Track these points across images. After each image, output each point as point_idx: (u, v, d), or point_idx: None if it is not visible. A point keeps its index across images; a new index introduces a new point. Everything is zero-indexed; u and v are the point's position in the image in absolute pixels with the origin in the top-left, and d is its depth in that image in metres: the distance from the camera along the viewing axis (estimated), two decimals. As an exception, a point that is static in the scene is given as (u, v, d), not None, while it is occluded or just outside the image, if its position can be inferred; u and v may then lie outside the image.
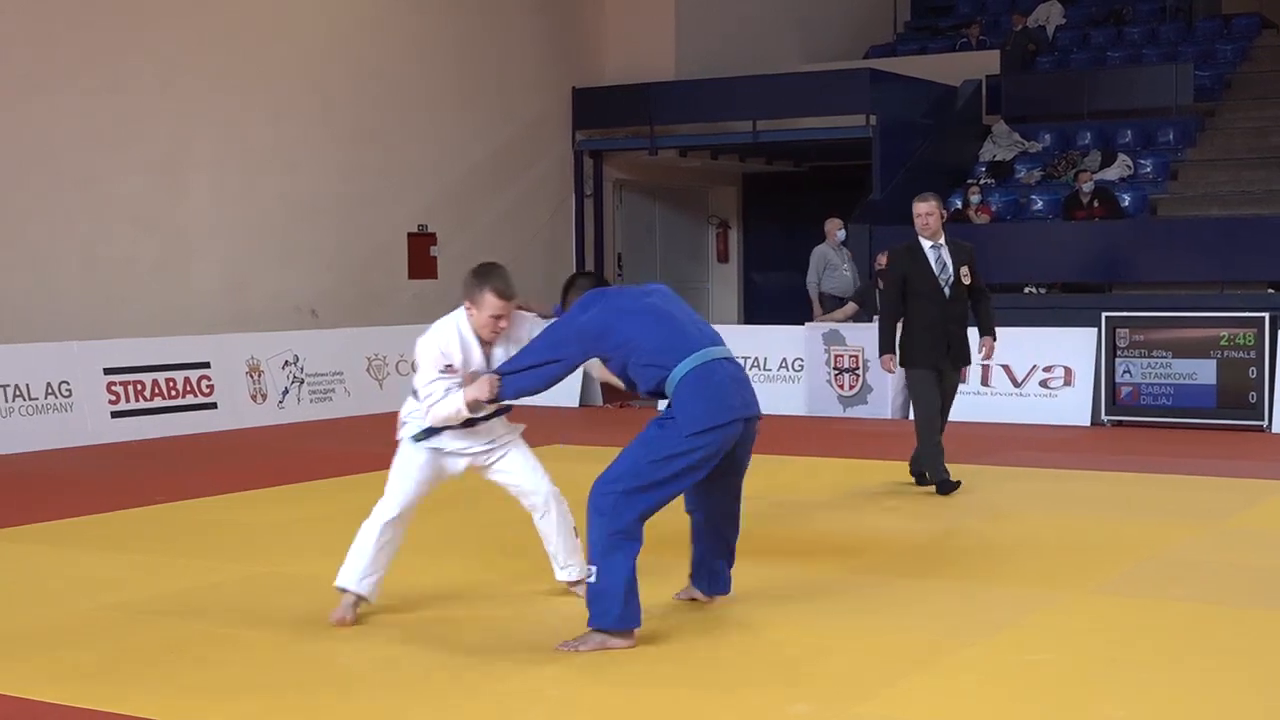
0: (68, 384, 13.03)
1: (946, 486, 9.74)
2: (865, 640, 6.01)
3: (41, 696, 5.26)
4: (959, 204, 18.84)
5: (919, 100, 20.98)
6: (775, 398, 15.15)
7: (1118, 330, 14.09)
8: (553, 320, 6.36)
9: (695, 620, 6.33)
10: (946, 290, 9.73)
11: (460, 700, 5.25)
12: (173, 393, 13.83)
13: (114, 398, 13.39)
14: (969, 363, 10.02)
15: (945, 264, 9.77)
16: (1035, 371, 14.31)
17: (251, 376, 14.58)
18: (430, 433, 6.33)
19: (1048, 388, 14.28)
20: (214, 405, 14.17)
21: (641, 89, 21.54)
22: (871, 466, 10.91)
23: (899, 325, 9.89)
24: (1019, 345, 14.30)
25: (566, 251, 22.43)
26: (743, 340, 15.88)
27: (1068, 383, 14.20)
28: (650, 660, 5.69)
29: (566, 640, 5.81)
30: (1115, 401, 14.02)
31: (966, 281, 9.79)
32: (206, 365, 14.26)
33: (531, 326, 6.48)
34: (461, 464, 6.49)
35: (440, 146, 19.76)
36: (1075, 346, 14.27)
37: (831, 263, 17.04)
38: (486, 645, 5.98)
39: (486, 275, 6.24)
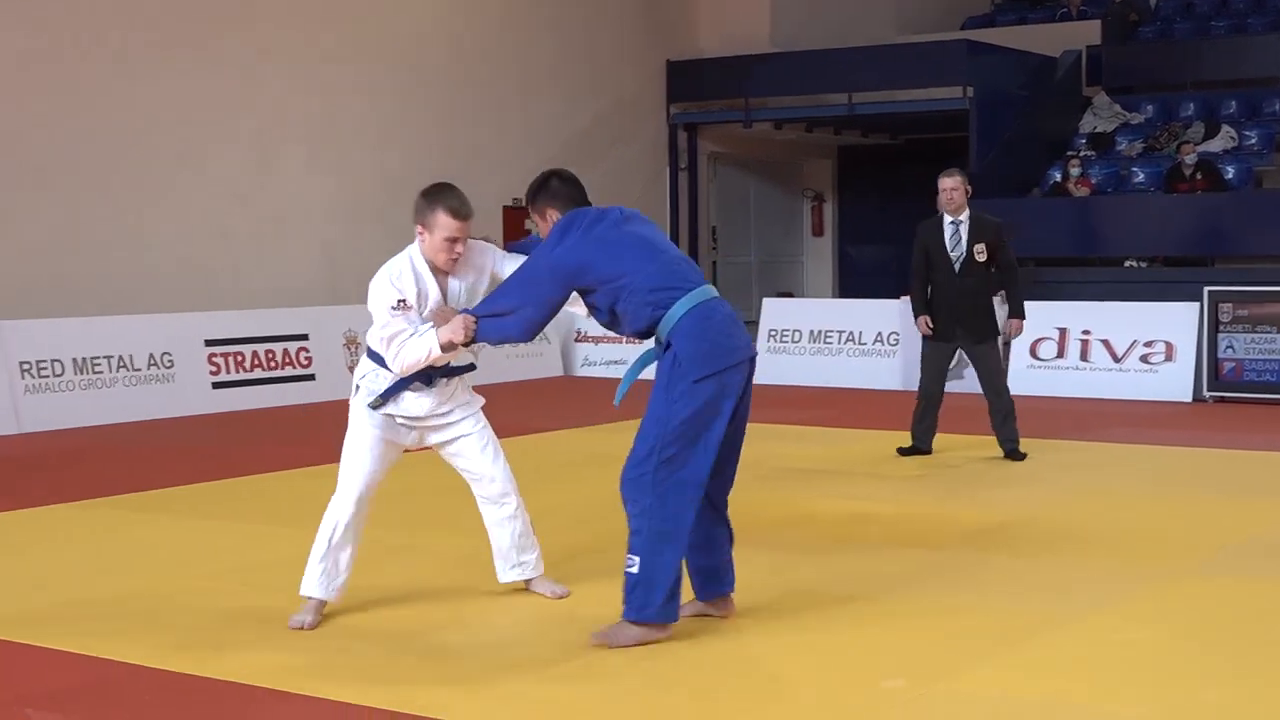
0: (170, 355, 13.22)
1: (903, 449, 10.18)
2: (959, 617, 5.95)
3: (144, 662, 5.35)
4: (1058, 176, 18.58)
5: (1017, 71, 20.71)
6: (870, 372, 15.06)
7: (1220, 305, 13.84)
8: (526, 250, 5.81)
9: (785, 594, 6.31)
10: (956, 265, 9.86)
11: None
12: (272, 364, 13.99)
13: (214, 369, 13.58)
14: (989, 337, 9.97)
15: (960, 239, 9.86)
16: (1136, 347, 14.09)
17: (349, 348, 14.71)
18: (386, 397, 5.76)
19: (1149, 363, 14.06)
20: (312, 377, 14.32)
21: (736, 61, 21.43)
22: (965, 441, 10.80)
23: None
24: (1119, 320, 14.10)
25: (661, 225, 22.33)
26: (838, 314, 15.81)
27: (1169, 358, 13.98)
28: (739, 633, 5.68)
29: (599, 631, 5.43)
30: (1217, 377, 13.78)
31: (981, 258, 9.81)
32: (305, 337, 14.41)
33: (496, 255, 5.94)
34: (414, 435, 5.92)
35: (534, 121, 19.80)
36: (1177, 321, 14.03)
37: None
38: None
39: (437, 193, 5.64)
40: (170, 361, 13.22)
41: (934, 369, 10.09)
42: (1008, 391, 10.04)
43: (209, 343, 13.62)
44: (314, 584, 5.78)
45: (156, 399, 12.94)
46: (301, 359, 14.31)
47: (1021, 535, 7.69)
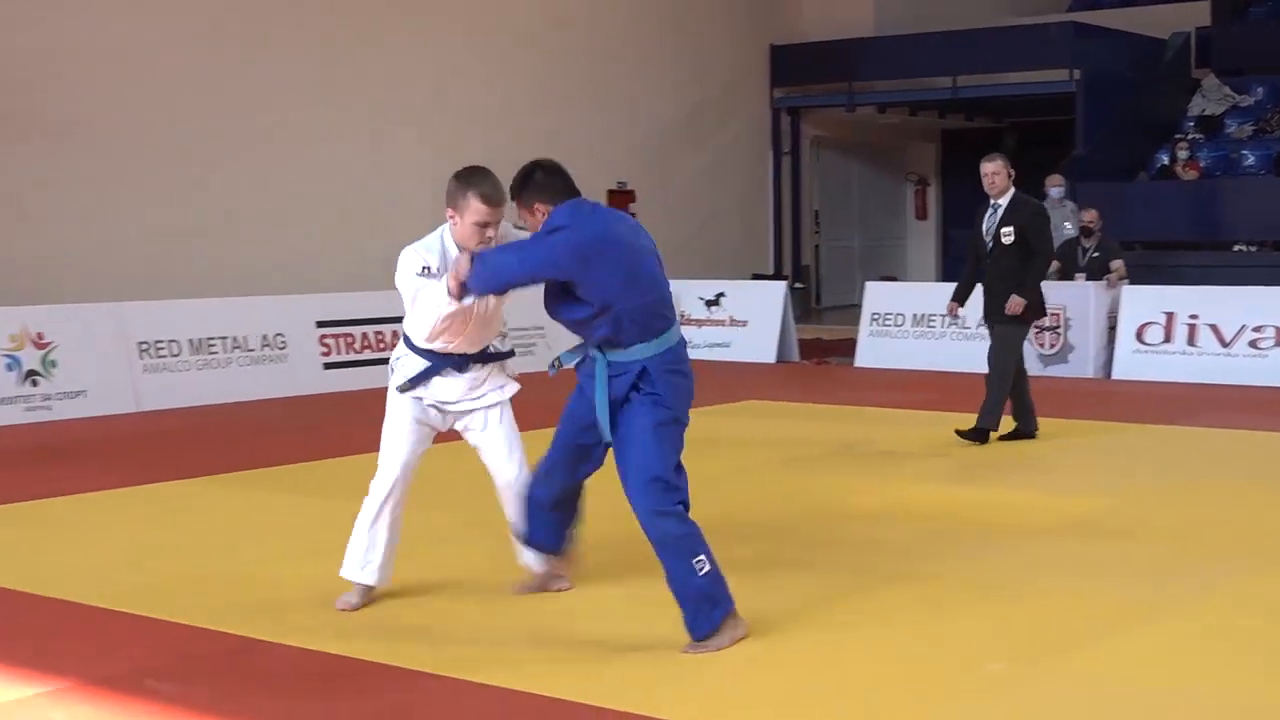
0: (282, 336, 13.41)
1: (1003, 436, 9.96)
2: (1064, 600, 5.89)
3: (259, 635, 5.44)
4: (1165, 160, 18.28)
5: (1124, 53, 20.38)
6: (973, 355, 14.87)
7: (1332, 289, 13.55)
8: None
9: (885, 577, 6.28)
10: (989, 245, 9.82)
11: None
12: (381, 345, 14.13)
13: (325, 349, 13.76)
14: (1005, 320, 9.81)
15: (994, 222, 9.80)
16: (1244, 331, 13.82)
17: (455, 330, 14.82)
18: (416, 381, 5.76)
19: (1257, 348, 13.78)
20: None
21: (840, 45, 21.27)
22: (1071, 426, 10.68)
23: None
24: (1227, 304, 13.84)
25: (763, 209, 22.32)
26: (941, 297, 15.62)
27: (1279, 343, 13.70)
28: (841, 616, 5.67)
29: (690, 644, 5.21)
30: (1328, 362, 13.50)
31: (1007, 241, 9.69)
32: (416, 318, 14.53)
33: None
34: (447, 419, 5.88)
35: (640, 105, 19.82)
36: (1287, 305, 13.75)
37: (1055, 223, 16.68)
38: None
39: (470, 177, 5.52)
40: (283, 342, 13.40)
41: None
42: (1004, 378, 9.79)
43: (320, 324, 13.80)
44: (353, 568, 5.80)
45: (269, 379, 13.13)
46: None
47: (1124, 518, 7.59)
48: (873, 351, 15.47)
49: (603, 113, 19.38)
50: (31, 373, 11.64)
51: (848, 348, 16.02)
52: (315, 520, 7.62)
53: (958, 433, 9.86)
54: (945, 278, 23.55)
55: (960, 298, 10.27)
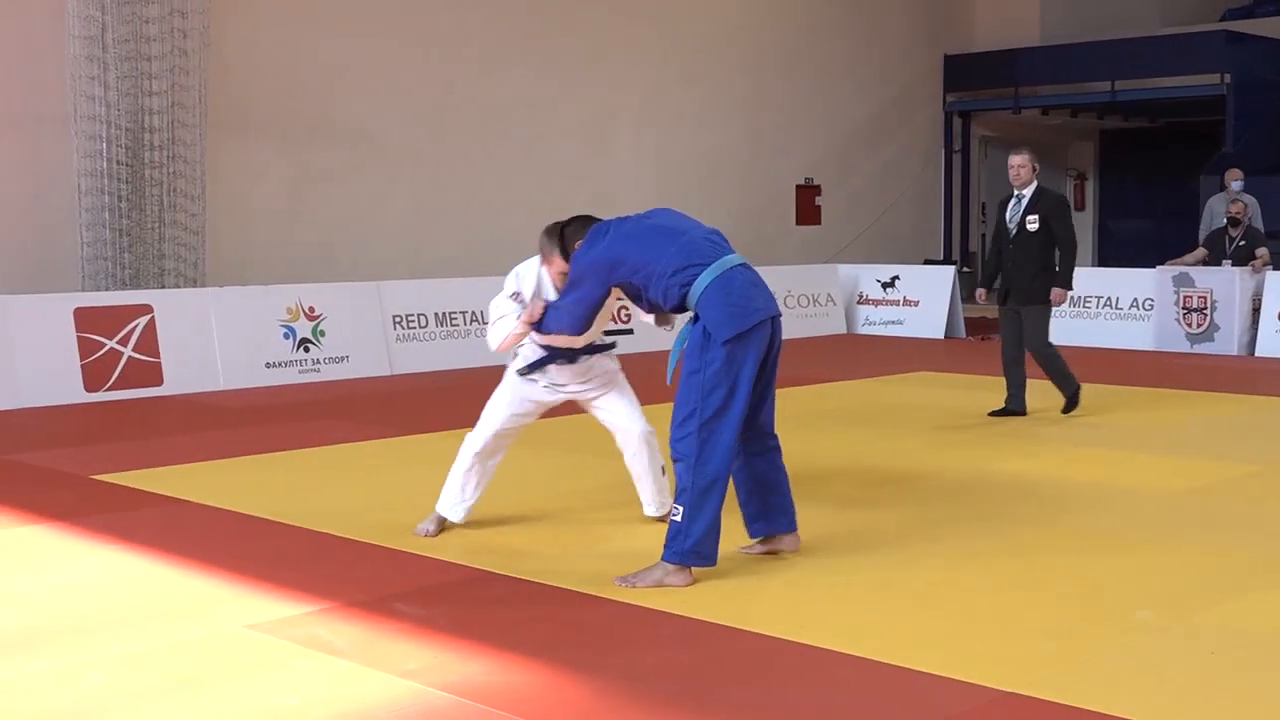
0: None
1: (994, 412, 9.46)
2: (1206, 555, 5.68)
3: (490, 567, 5.53)
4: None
5: (1275, 59, 19.51)
6: (1125, 334, 14.48)
7: None
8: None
9: (1039, 526, 6.13)
10: (1012, 233, 9.35)
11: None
12: (597, 320, 14.26)
13: (550, 323, 13.90)
14: (1036, 301, 9.30)
15: (1019, 210, 9.34)
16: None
17: (662, 308, 14.87)
18: (534, 367, 6.00)
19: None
20: (631, 331, 14.54)
21: (1008, 54, 20.82)
22: (1216, 399, 10.28)
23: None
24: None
25: (935, 203, 21.96)
26: (1097, 281, 15.20)
27: None
28: (995, 562, 5.55)
29: (625, 575, 5.27)
30: None
31: (1032, 228, 9.22)
32: (621, 296, 14.60)
33: None
34: (561, 396, 6.09)
35: (826, 108, 19.62)
36: None
37: (1217, 212, 16.08)
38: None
39: (557, 236, 5.81)
40: (514, 316, 13.57)
41: (1004, 332, 9.51)
42: (1047, 352, 9.39)
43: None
44: (446, 504, 6.09)
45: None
46: (622, 315, 14.53)
47: (1264, 486, 7.26)
48: (1033, 329, 15.10)
49: (795, 115, 19.22)
50: (304, 340, 12.02)
51: (1010, 326, 15.67)
52: (545, 472, 7.69)
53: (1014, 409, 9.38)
54: (1101, 263, 22.89)
55: (988, 283, 9.79)
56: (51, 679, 4.31)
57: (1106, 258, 23.19)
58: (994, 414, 9.44)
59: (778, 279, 16.87)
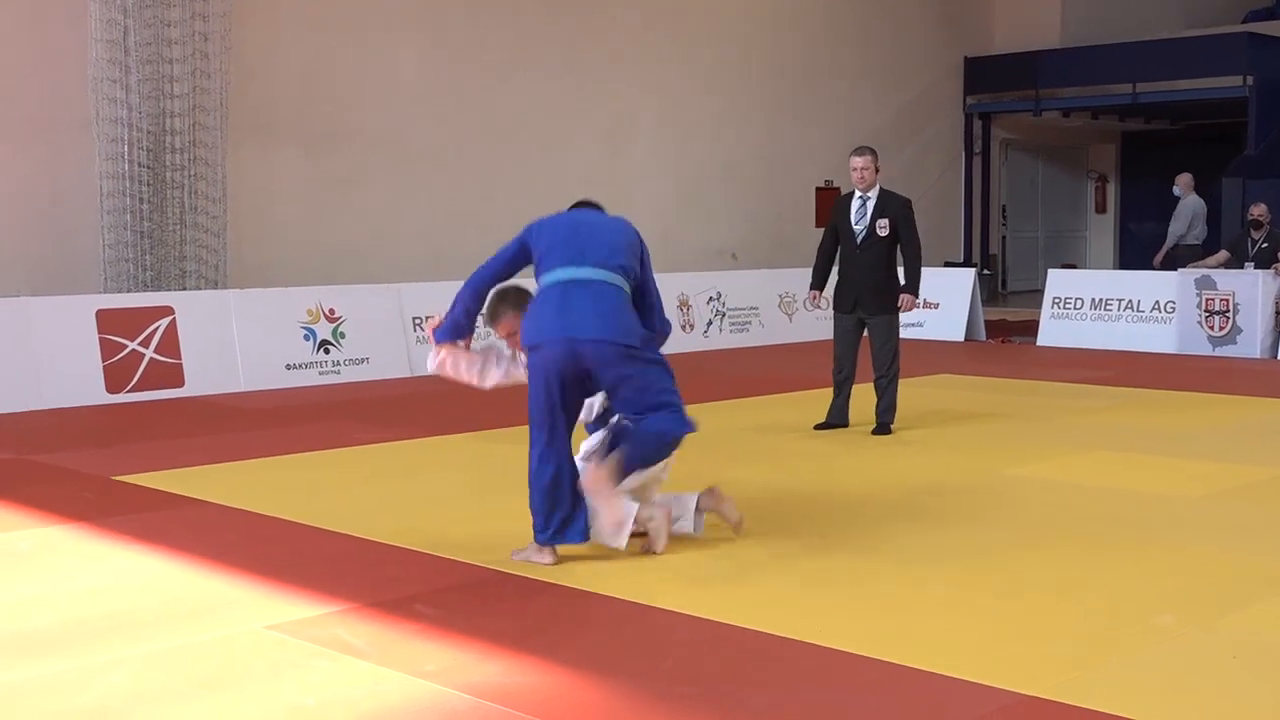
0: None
1: (822, 425, 9.02)
2: (1225, 561, 5.65)
3: (508, 570, 5.54)
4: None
5: (1296, 60, 19.41)
6: (1147, 336, 14.43)
7: None
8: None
9: (1057, 529, 6.10)
10: (858, 238, 8.89)
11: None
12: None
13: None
14: (887, 311, 8.87)
15: (865, 214, 8.91)
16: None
17: (681, 310, 14.88)
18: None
19: None
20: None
21: (1028, 56, 20.79)
22: (1238, 402, 10.23)
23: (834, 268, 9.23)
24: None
25: (955, 205, 21.94)
26: (1118, 284, 15.16)
27: None
28: (1014, 563, 5.53)
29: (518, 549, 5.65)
30: None
31: (883, 233, 8.83)
32: (644, 299, 14.60)
33: None
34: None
35: (845, 111, 19.61)
36: None
37: (1199, 215, 16.13)
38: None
39: (499, 302, 5.92)
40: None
41: (840, 342, 9.04)
42: (894, 365, 8.94)
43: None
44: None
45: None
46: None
47: (1290, 489, 7.23)
48: (1053, 332, 15.11)
49: (814, 120, 19.21)
50: (324, 342, 12.06)
51: (1030, 328, 15.67)
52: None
53: (882, 429, 8.83)
54: (1122, 266, 22.85)
55: (821, 285, 9.21)
56: (73, 679, 4.33)
57: (1128, 260, 23.13)
58: (819, 427, 9.03)
59: (796, 281, 16.93)
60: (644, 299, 5.76)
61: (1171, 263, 15.92)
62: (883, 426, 8.87)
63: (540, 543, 5.56)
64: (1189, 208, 16.22)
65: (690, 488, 6.04)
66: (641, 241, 5.84)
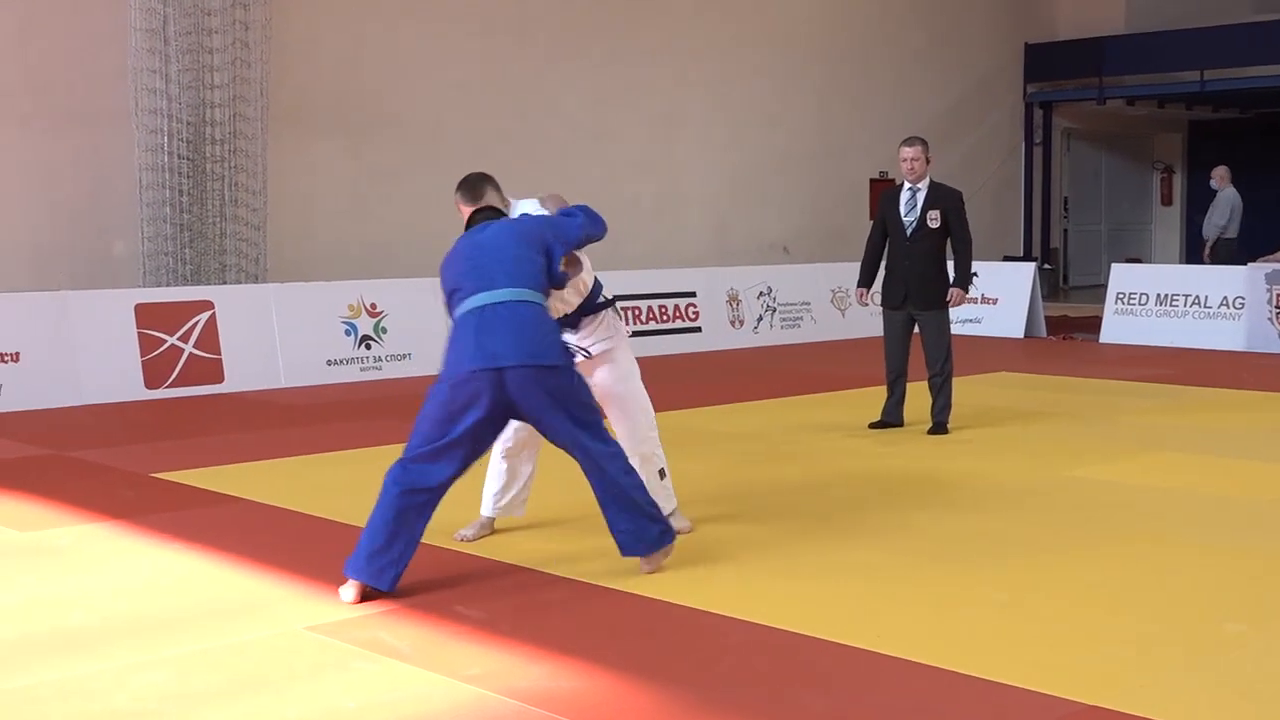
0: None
1: (876, 424, 8.95)
2: (1301, 567, 5.57)
3: (555, 571, 5.54)
4: None
5: (1372, 46, 19.13)
6: (1215, 333, 14.25)
7: None
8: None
9: (1119, 532, 6.04)
10: (908, 231, 8.78)
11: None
12: (664, 318, 14.25)
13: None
14: (938, 305, 8.78)
15: (915, 206, 8.81)
16: None
17: (731, 305, 14.85)
18: None
19: None
20: (699, 329, 14.52)
21: (1091, 43, 20.59)
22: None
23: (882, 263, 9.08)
24: None
25: (1015, 197, 21.78)
26: (1184, 279, 15.00)
27: None
28: (1080, 564, 5.48)
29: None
30: None
31: (934, 225, 8.73)
32: (693, 294, 14.61)
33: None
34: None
35: (901, 100, 19.51)
36: None
37: (1237, 208, 16.15)
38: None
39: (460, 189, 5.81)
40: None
41: (891, 338, 8.95)
42: (949, 362, 8.83)
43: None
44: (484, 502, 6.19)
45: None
46: (689, 313, 14.53)
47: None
48: (1117, 329, 14.97)
49: (870, 108, 19.13)
50: (365, 338, 12.12)
51: (1093, 325, 15.53)
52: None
53: (938, 429, 8.75)
54: (1189, 260, 22.59)
55: (870, 283, 9.14)
56: (110, 679, 4.37)
57: (1195, 254, 22.86)
58: (874, 426, 8.97)
59: (850, 274, 16.77)
60: (590, 233, 5.71)
61: (1213, 258, 15.86)
62: (939, 426, 8.82)
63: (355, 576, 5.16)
64: (1227, 200, 16.27)
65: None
66: (541, 222, 5.66)
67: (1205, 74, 19.78)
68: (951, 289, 8.83)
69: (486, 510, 6.19)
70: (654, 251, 16.13)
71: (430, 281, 12.70)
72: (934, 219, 8.79)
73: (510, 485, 6.16)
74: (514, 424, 5.75)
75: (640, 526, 5.39)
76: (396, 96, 14.67)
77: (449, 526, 6.29)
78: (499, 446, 6.00)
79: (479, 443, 5.34)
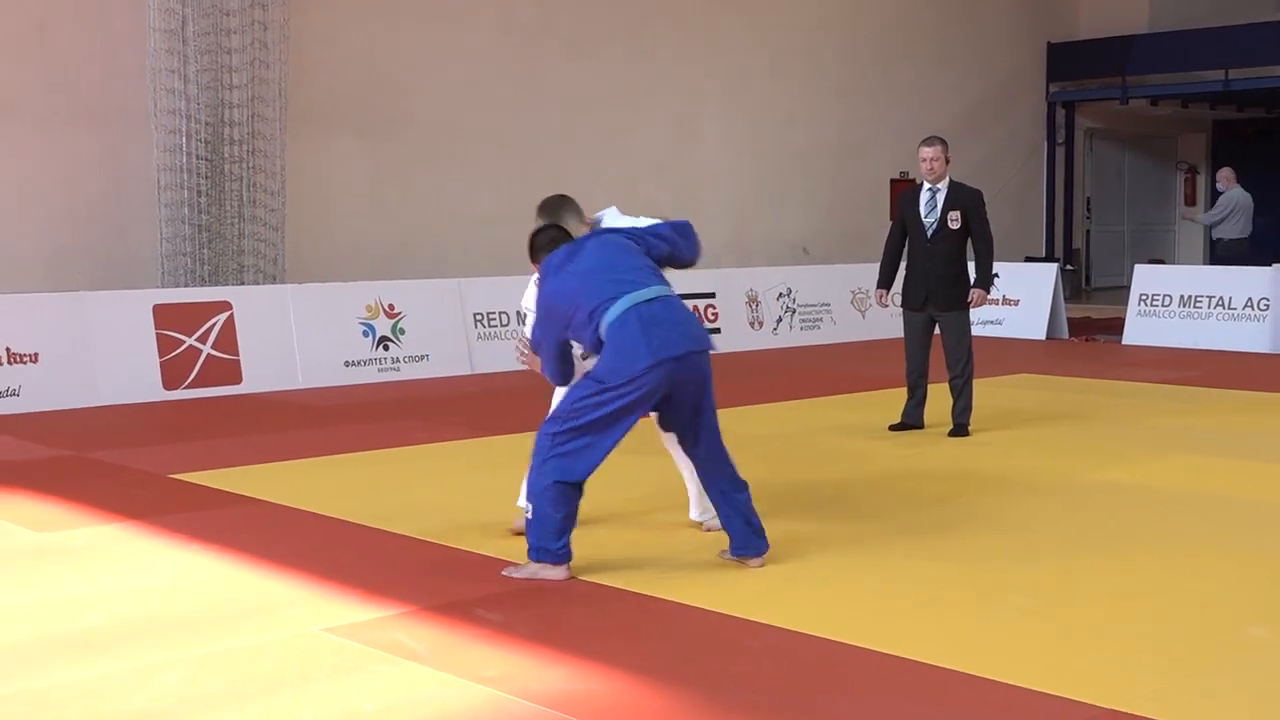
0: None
1: (894, 425, 8.95)
2: (1326, 572, 5.55)
3: (577, 575, 5.54)
4: None
5: (1400, 45, 19.03)
6: (1239, 335, 14.19)
7: None
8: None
9: (1144, 539, 6.02)
10: (929, 232, 8.75)
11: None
12: (683, 319, 14.25)
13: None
14: (959, 306, 8.77)
15: (935, 206, 8.77)
16: None
17: (750, 306, 14.84)
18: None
19: None
20: (718, 330, 14.52)
21: (1115, 42, 20.53)
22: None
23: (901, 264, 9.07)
24: None
25: (1037, 198, 21.72)
26: (1208, 280, 14.94)
27: None
28: (1104, 570, 5.47)
29: (511, 566, 5.54)
30: None
31: (954, 226, 8.70)
32: (712, 295, 14.61)
33: None
34: None
35: (922, 99, 19.47)
36: None
37: (1240, 208, 16.26)
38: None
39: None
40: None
41: (911, 339, 8.94)
42: (970, 364, 8.80)
43: (630, 299, 13.95)
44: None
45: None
46: (709, 314, 14.52)
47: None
48: (1140, 330, 14.91)
49: (890, 107, 19.10)
50: (383, 339, 12.15)
51: (1115, 326, 15.48)
52: (630, 477, 7.68)
53: (959, 431, 8.73)
54: (1212, 262, 22.49)
55: (889, 284, 9.14)
56: (128, 680, 4.39)
57: (1220, 255, 22.79)
58: (894, 428, 8.96)
59: (870, 275, 16.73)
60: (674, 253, 5.80)
61: (1215, 261, 15.90)
62: (960, 428, 8.80)
63: (559, 561, 5.43)
64: (1230, 200, 16.42)
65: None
66: (632, 233, 5.80)
67: (1230, 73, 19.70)
68: (973, 290, 8.83)
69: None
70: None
71: (449, 283, 12.80)
72: (954, 220, 8.77)
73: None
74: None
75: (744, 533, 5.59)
76: (414, 96, 14.71)
77: (467, 528, 6.31)
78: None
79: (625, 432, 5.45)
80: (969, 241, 8.86)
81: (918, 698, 4.20)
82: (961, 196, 8.85)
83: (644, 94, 16.47)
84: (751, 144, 17.62)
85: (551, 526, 5.37)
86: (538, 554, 5.43)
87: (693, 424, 5.56)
